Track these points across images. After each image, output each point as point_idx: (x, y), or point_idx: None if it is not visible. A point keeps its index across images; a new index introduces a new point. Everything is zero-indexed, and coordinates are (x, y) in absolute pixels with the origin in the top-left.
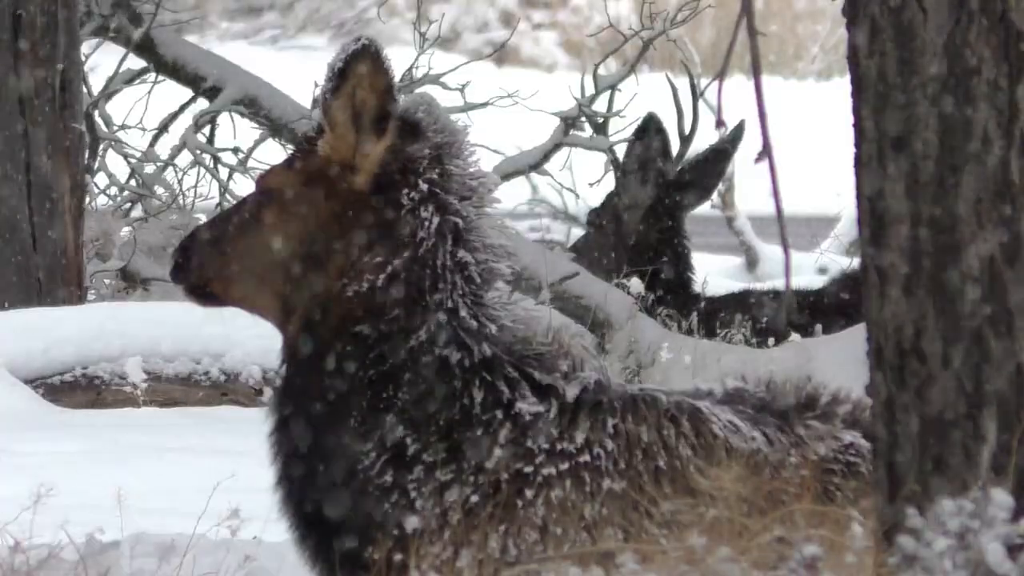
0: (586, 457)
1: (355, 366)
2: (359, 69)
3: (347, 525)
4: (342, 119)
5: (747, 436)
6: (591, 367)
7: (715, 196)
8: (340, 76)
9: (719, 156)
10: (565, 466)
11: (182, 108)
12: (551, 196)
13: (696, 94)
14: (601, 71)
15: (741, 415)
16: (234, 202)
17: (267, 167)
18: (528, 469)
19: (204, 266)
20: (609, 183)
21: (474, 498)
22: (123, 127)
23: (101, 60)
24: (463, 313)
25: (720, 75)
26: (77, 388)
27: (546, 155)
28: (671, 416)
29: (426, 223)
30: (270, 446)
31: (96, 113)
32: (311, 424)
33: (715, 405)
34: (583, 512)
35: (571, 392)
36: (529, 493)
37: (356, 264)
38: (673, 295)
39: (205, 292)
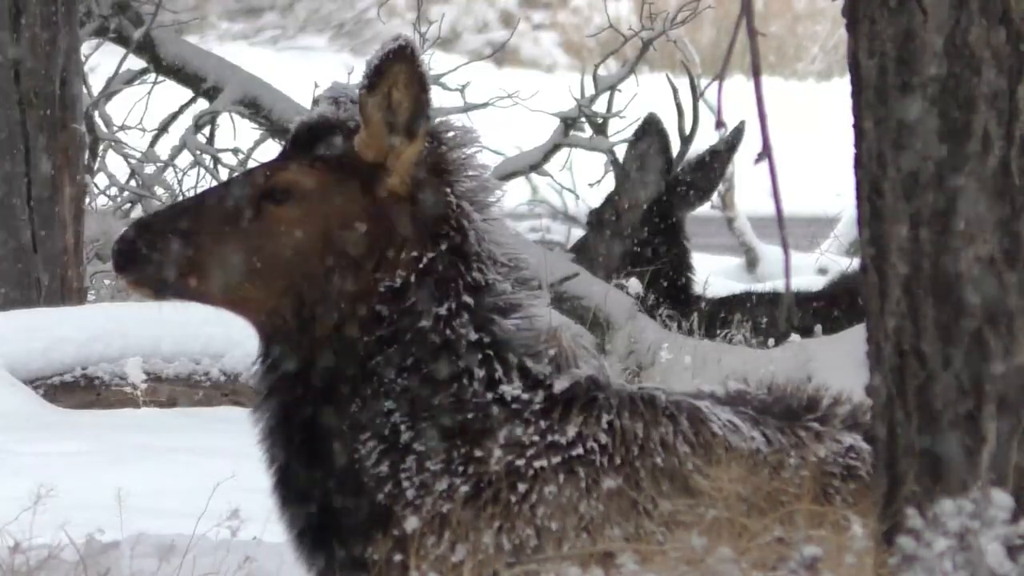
0: (579, 450)
1: (370, 354)
2: (395, 68)
3: (348, 520)
4: (377, 117)
5: (746, 436)
6: (590, 365)
7: (715, 197)
8: (376, 73)
9: (719, 157)
10: (556, 459)
11: (182, 108)
12: (551, 197)
13: (696, 94)
14: (601, 71)
15: (741, 416)
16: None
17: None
18: (519, 461)
19: (181, 261)
20: (609, 184)
21: (464, 488)
22: (123, 127)
23: (101, 60)
24: (499, 288)
25: (720, 76)
26: (77, 388)
27: (546, 155)
28: (669, 414)
29: (468, 219)
30: (266, 446)
31: (96, 113)
32: (318, 418)
33: (715, 405)
34: (577, 507)
35: (559, 385)
36: (521, 486)
37: (390, 260)
38: (673, 296)
39: (174, 287)
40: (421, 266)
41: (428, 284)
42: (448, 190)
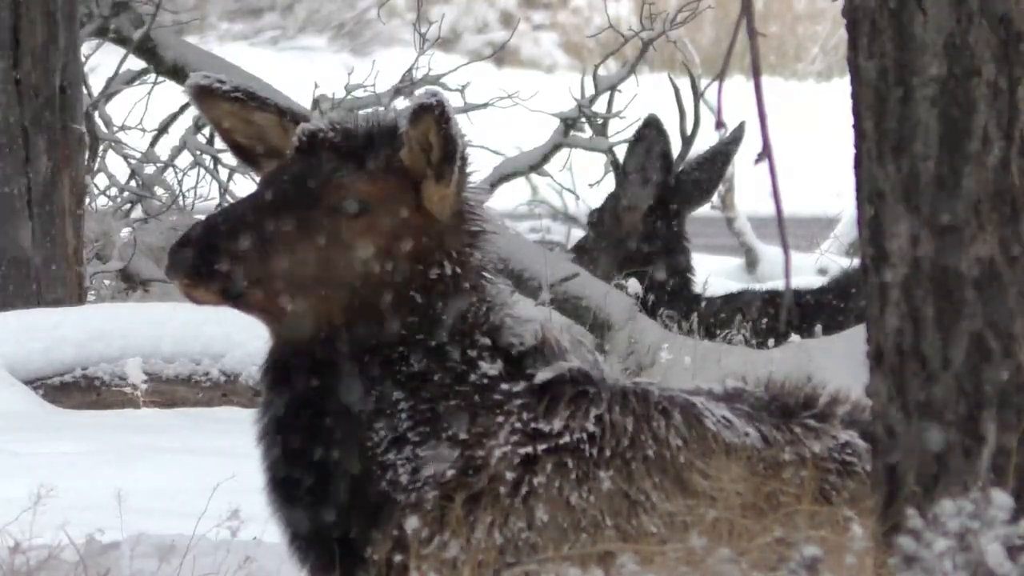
0: (566, 439)
1: (393, 348)
2: (426, 120)
3: (350, 513)
4: (416, 147)
5: (740, 432)
6: (584, 360)
7: (715, 197)
8: (415, 115)
9: (719, 157)
10: (543, 446)
11: (182, 109)
12: (551, 197)
13: (697, 95)
14: (601, 72)
15: (737, 412)
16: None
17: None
18: (507, 450)
19: (254, 270)
20: (609, 184)
21: (450, 473)
22: (123, 128)
23: (101, 60)
24: (499, 302)
25: (720, 76)
26: (77, 389)
27: (546, 156)
28: (662, 408)
29: (485, 245)
30: (268, 444)
31: (96, 114)
32: (336, 412)
33: (710, 401)
34: (568, 498)
35: (542, 376)
36: (510, 475)
37: (421, 275)
38: (673, 296)
39: (241, 295)
40: (448, 273)
41: (450, 289)
42: (475, 221)
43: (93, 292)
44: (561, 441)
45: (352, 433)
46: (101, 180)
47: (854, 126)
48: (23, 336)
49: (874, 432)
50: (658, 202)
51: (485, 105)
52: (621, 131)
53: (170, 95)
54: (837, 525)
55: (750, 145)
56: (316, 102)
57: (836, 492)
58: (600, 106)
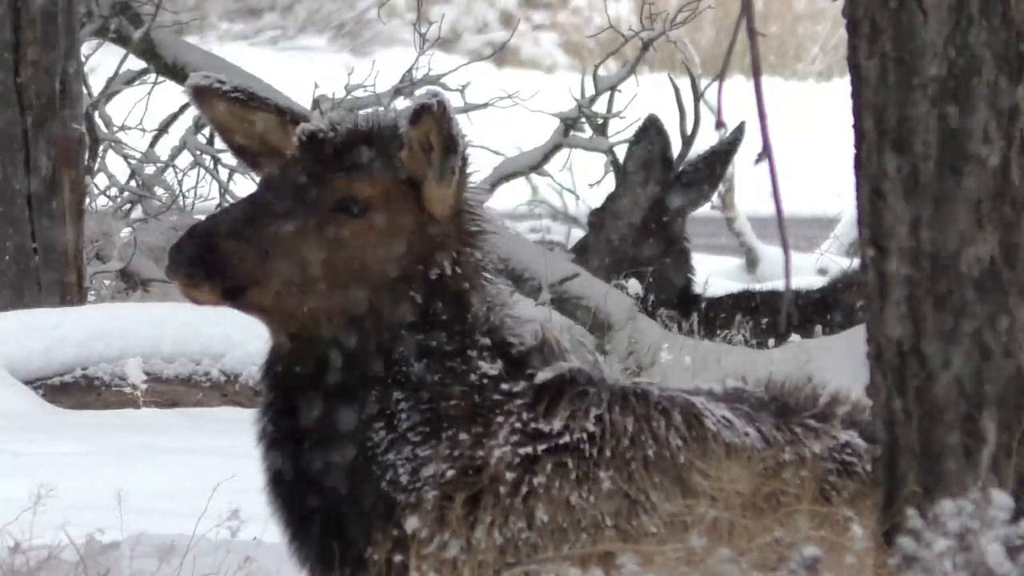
0: (566, 439)
1: (394, 350)
2: (426, 120)
3: (351, 514)
4: (416, 147)
5: (740, 432)
6: (584, 360)
7: (715, 197)
8: (416, 115)
9: (719, 157)
10: (543, 446)
11: (182, 109)
12: (551, 197)
13: (697, 95)
14: (601, 72)
15: (736, 412)
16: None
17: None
18: (507, 450)
19: (253, 270)
20: (609, 184)
21: (450, 473)
22: (123, 128)
23: (101, 61)
24: (499, 302)
25: (720, 76)
26: (77, 389)
27: (546, 156)
28: (662, 408)
29: (485, 245)
30: (268, 444)
31: (96, 114)
32: (337, 413)
33: (710, 401)
34: (568, 498)
35: (542, 376)
36: (510, 475)
37: (421, 275)
38: (673, 296)
39: (241, 296)
40: (448, 273)
41: (450, 289)
42: (474, 220)
43: (93, 292)
44: (561, 441)
45: (352, 433)
46: (101, 180)
47: (854, 126)
48: (23, 336)
49: (874, 432)
50: (658, 202)
51: (485, 105)
52: (621, 131)
53: (170, 95)
54: (837, 525)
55: (750, 145)
56: (316, 102)
57: (836, 492)
58: (600, 106)
